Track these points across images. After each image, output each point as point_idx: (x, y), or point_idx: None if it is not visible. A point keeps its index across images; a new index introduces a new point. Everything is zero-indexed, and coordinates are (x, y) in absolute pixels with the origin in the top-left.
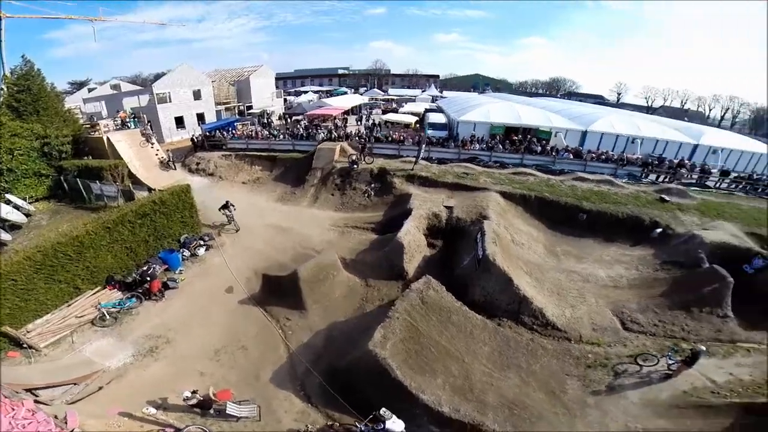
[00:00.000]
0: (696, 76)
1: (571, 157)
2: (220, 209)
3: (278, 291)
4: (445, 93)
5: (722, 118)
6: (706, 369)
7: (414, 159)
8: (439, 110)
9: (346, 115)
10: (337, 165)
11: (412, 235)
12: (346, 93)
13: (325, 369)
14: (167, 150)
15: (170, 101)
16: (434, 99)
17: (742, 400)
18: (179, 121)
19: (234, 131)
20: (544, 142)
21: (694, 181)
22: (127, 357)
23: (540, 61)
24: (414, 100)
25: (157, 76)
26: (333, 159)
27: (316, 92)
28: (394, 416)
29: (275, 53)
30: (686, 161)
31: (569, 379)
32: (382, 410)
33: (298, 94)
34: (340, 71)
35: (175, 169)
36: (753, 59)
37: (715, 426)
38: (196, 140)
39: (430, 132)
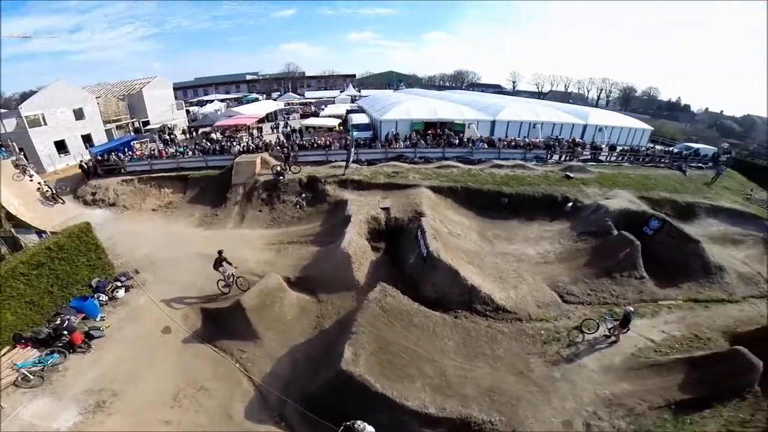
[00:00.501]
0: (574, 61)
1: (486, 146)
2: (214, 268)
3: (224, 324)
4: (363, 92)
5: (598, 98)
6: (642, 330)
7: (344, 163)
8: (361, 110)
9: (260, 124)
10: (260, 178)
11: (356, 243)
12: (257, 99)
13: (299, 395)
14: (46, 181)
15: (45, 123)
16: (354, 99)
17: (683, 356)
18: (60, 146)
19: (132, 152)
20: (461, 134)
21: (589, 156)
22: (74, 416)
23: (444, 55)
24: (333, 102)
25: (25, 96)
26: (255, 172)
27: (222, 101)
28: (366, 425)
29: (170, 62)
30: (579, 140)
31: (531, 358)
32: (358, 422)
33: (201, 104)
34: (249, 77)
35: (64, 202)
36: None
37: (670, 383)
38: (86, 166)
39: (355, 134)
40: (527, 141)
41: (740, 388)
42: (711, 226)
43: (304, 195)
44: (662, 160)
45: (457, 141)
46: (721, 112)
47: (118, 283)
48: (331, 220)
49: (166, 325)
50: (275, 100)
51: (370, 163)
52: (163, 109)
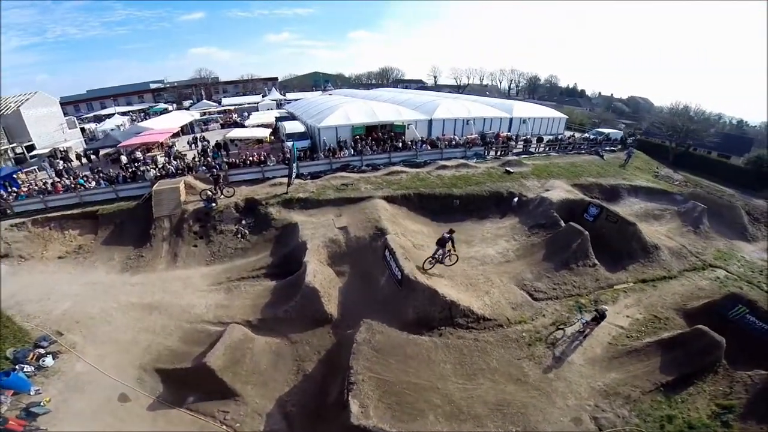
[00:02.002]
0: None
1: (429, 147)
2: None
3: (191, 384)
4: (289, 95)
5: (509, 88)
6: (610, 318)
7: (285, 180)
8: (293, 117)
9: (175, 138)
10: (188, 207)
11: (320, 273)
12: (167, 110)
13: None
14: None
15: None
16: (280, 104)
17: (653, 339)
18: None
19: (17, 187)
20: (402, 136)
21: (521, 150)
22: None
23: (369, 53)
24: (257, 108)
25: None
26: (180, 201)
27: (125, 114)
28: None
29: (58, 74)
30: (507, 133)
31: (523, 362)
32: None
33: (99, 119)
34: (154, 85)
35: None
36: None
37: (651, 366)
38: None
39: (290, 144)
40: (466, 139)
41: (711, 364)
42: (634, 204)
43: (244, 221)
44: (582, 147)
45: (401, 144)
46: (611, 95)
47: (41, 350)
48: (282, 247)
49: (121, 392)
50: (188, 109)
51: (314, 176)
52: (52, 130)
